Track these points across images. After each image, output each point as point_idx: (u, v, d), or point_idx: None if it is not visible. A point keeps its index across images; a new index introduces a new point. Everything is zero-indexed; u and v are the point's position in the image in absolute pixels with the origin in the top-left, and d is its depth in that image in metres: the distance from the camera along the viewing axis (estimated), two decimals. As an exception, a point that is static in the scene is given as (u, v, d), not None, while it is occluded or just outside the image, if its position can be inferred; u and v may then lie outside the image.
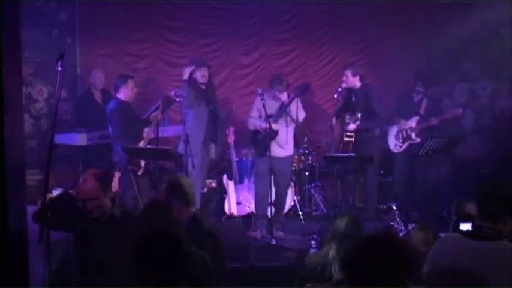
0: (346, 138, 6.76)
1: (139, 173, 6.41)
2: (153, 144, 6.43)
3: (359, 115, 6.56)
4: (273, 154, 6.50)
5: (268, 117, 6.43)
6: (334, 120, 7.07)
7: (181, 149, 6.50)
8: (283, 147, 6.68)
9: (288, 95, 6.73)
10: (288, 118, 6.64)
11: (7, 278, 2.72)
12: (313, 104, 8.33)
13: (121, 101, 6.46)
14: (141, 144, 6.40)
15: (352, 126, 6.65)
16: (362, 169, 6.97)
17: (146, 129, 6.55)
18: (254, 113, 6.80)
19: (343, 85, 6.82)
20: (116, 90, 6.50)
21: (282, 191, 6.83)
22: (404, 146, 7.22)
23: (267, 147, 6.56)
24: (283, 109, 6.63)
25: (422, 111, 7.25)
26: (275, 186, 6.71)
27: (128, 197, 6.41)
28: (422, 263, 3.47)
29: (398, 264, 2.28)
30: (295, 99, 6.67)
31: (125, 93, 6.47)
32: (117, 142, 6.38)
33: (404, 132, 7.19)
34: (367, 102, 6.74)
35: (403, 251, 2.32)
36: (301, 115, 6.75)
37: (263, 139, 6.65)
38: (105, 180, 3.99)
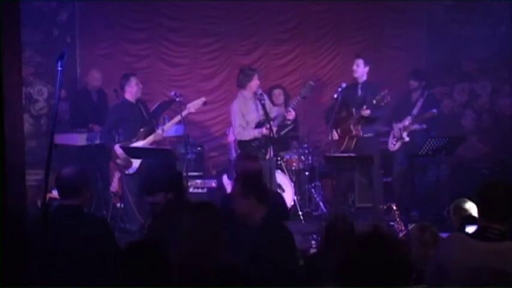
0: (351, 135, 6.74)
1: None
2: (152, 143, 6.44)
3: (365, 107, 6.53)
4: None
5: (268, 119, 6.27)
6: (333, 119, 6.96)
7: None
8: None
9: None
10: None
11: (7, 278, 2.71)
12: (313, 104, 8.31)
13: (124, 102, 6.59)
14: (140, 143, 6.42)
15: (367, 112, 6.55)
16: (366, 170, 6.94)
17: (160, 129, 6.57)
18: (239, 121, 6.40)
19: (343, 85, 6.78)
20: (123, 90, 6.62)
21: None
22: (397, 145, 7.19)
23: (267, 152, 6.36)
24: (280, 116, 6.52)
25: (415, 112, 7.20)
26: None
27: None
28: (422, 262, 3.47)
29: (394, 263, 2.15)
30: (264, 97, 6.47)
31: (129, 92, 6.59)
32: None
33: (398, 131, 7.18)
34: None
35: (395, 250, 2.18)
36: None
37: (263, 145, 6.39)
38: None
